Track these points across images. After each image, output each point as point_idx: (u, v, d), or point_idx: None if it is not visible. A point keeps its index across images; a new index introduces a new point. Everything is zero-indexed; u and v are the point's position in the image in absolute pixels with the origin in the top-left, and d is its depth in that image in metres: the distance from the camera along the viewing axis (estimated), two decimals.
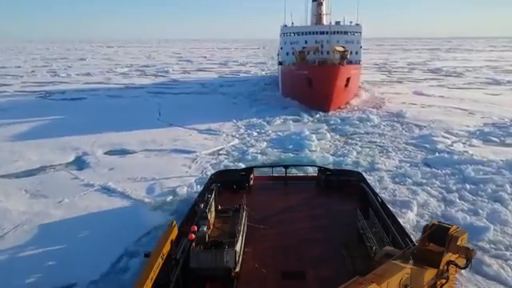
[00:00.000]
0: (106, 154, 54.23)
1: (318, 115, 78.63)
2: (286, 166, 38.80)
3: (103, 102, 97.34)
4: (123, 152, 54.93)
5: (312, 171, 39.34)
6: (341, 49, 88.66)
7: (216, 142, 58.79)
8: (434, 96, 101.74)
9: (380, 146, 56.08)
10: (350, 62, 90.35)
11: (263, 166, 44.52)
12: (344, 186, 34.71)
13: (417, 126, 67.96)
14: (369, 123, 70.49)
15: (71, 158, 51.98)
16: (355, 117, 75.79)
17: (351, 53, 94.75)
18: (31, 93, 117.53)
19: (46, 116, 77.86)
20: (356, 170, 40.93)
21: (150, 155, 53.29)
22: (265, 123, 71.18)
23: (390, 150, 54.36)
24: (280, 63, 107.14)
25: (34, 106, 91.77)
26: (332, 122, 72.17)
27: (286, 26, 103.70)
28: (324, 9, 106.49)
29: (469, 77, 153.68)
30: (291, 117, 77.04)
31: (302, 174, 39.98)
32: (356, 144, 57.45)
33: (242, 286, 21.23)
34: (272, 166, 41.55)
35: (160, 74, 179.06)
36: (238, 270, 21.48)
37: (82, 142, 59.09)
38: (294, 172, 40.72)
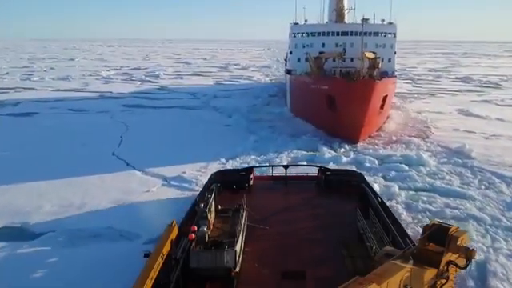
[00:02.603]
0: None
1: (342, 149, 55.31)
2: (286, 166, 38.58)
3: (55, 121, 73.65)
4: (22, 232, 31.95)
5: (312, 171, 38.19)
6: (371, 55, 65.10)
7: (184, 208, 35.22)
8: (490, 118, 77.71)
9: (471, 218, 33.54)
10: (384, 74, 66.91)
11: (263, 165, 43.67)
12: (344, 186, 34.31)
13: (498, 176, 44.26)
14: (423, 169, 46.94)
15: None
16: (398, 155, 52.13)
17: (383, 60, 71.02)
18: None
19: None
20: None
21: (62, 243, 29.97)
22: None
23: (491, 230, 31.75)
24: (288, 72, 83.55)
25: None
26: (367, 165, 48.67)
27: (296, 23, 79.92)
28: (346, 3, 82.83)
29: (510, 88, 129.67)
30: (305, 152, 53.67)
31: (301, 174, 38.82)
32: (424, 211, 34.91)
33: (242, 285, 20.94)
34: (272, 165, 41.60)
35: (148, 78, 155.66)
36: (237, 269, 21.15)
37: None
38: (293, 172, 38.84)
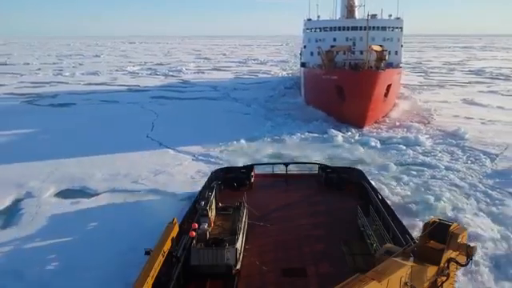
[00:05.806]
0: (56, 195, 39.06)
1: (349, 133, 61.81)
2: (287, 164, 38.20)
3: (91, 110, 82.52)
4: (81, 193, 39.58)
5: (312, 169, 38.53)
6: (378, 48, 71.18)
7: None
8: (491, 107, 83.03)
9: (453, 186, 39.91)
10: (389, 65, 73.02)
11: (264, 163, 43.07)
12: (344, 184, 34.36)
13: (485, 153, 50.36)
14: (418, 148, 53.25)
15: (5, 203, 36.91)
16: (399, 137, 58.62)
17: (389, 53, 77.06)
18: (20, 95, 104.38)
19: (10, 129, 63.38)
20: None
21: (114, 200, 37.60)
22: (280, 145, 54.67)
23: (469, 194, 37.95)
24: (303, 64, 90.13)
25: (7, 114, 77.61)
26: (372, 144, 55.25)
27: (310, 19, 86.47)
28: (356, 0, 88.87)
29: None
30: (316, 134, 60.50)
31: (302, 172, 39.20)
32: (411, 181, 41.18)
33: (243, 283, 20.94)
34: (273, 163, 41.22)
35: (172, 73, 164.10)
36: (238, 267, 21.33)
37: (36, 172, 44.28)
38: (294, 169, 39.22)
